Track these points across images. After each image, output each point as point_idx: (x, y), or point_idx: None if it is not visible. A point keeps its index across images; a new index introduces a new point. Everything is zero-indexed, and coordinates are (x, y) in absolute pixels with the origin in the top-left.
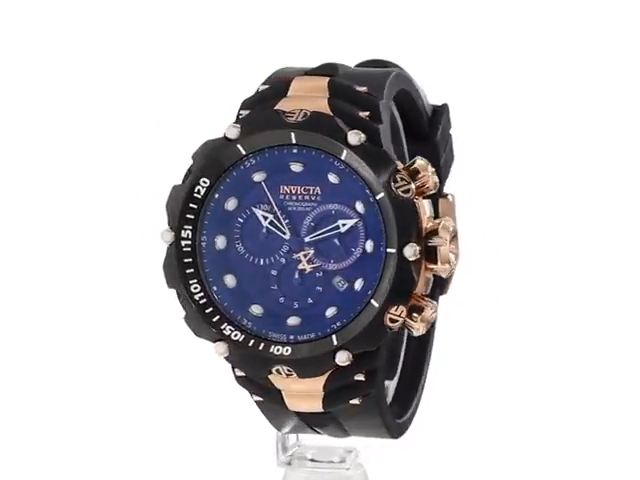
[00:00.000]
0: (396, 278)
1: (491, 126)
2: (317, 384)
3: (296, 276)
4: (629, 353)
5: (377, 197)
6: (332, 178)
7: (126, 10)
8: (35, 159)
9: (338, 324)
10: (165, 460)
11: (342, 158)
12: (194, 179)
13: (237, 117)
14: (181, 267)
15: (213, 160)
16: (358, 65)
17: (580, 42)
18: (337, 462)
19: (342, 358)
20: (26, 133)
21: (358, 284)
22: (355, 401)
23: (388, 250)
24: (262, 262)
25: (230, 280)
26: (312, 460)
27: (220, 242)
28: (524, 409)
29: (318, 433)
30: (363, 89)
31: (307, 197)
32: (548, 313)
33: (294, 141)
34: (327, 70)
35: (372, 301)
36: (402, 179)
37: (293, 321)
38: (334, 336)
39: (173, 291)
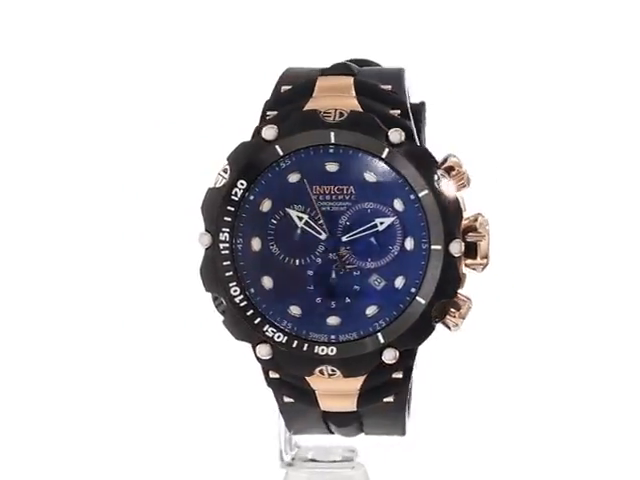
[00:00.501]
0: (442, 275)
1: (489, 125)
2: (356, 383)
3: (333, 276)
4: (628, 351)
5: (420, 194)
6: (369, 177)
7: (129, 13)
8: (62, 163)
9: (381, 322)
10: (167, 460)
11: (383, 156)
12: (231, 181)
13: (263, 118)
14: (221, 270)
15: (250, 162)
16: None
17: (568, 38)
18: (338, 462)
19: (389, 356)
20: (41, 137)
21: (399, 282)
22: (389, 399)
23: (433, 247)
24: (297, 262)
25: (267, 282)
26: (313, 460)
27: (255, 244)
28: (523, 408)
29: (331, 433)
30: (388, 87)
31: (341, 197)
32: (547, 313)
33: (333, 141)
34: (343, 69)
35: (418, 298)
36: (443, 176)
37: (333, 321)
38: (380, 334)
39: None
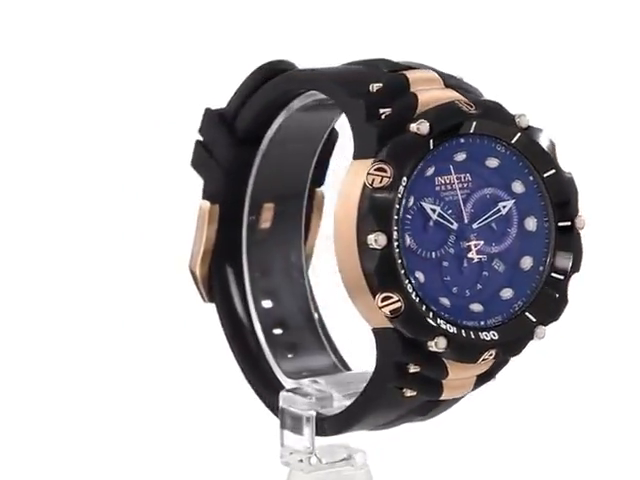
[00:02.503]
0: (573, 249)
1: None
2: (484, 367)
3: (465, 264)
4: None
5: (545, 174)
6: (491, 163)
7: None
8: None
9: (519, 303)
10: (170, 460)
11: (512, 142)
12: (397, 179)
13: (373, 116)
14: (398, 269)
15: (411, 158)
16: (262, 67)
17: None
18: (341, 461)
19: (542, 333)
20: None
21: (524, 262)
22: (492, 380)
23: (560, 224)
24: (434, 255)
25: (420, 276)
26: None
27: (408, 240)
28: (523, 409)
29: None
30: (460, 78)
31: (459, 185)
32: None
33: (472, 130)
34: (388, 65)
35: (553, 274)
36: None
37: (476, 308)
38: (527, 314)
39: None
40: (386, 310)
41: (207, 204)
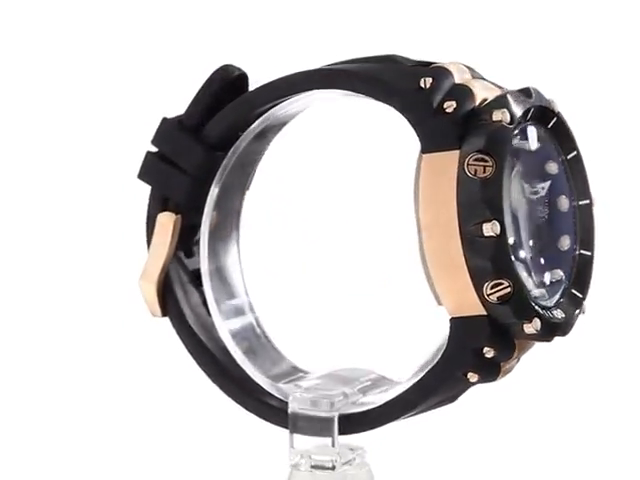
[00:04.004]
0: (594, 225)
1: None
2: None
3: None
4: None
5: (570, 155)
6: (533, 146)
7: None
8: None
9: (566, 282)
10: (173, 459)
11: (549, 126)
12: (499, 168)
13: (439, 111)
14: (511, 255)
15: (506, 146)
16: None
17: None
18: (348, 461)
19: (584, 309)
20: None
21: (565, 242)
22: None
23: (582, 202)
24: None
25: None
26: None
27: None
28: (523, 410)
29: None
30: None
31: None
32: None
33: (528, 117)
34: (408, 60)
35: (583, 252)
36: None
37: (538, 293)
38: (574, 291)
39: None
40: (494, 297)
41: (171, 216)
